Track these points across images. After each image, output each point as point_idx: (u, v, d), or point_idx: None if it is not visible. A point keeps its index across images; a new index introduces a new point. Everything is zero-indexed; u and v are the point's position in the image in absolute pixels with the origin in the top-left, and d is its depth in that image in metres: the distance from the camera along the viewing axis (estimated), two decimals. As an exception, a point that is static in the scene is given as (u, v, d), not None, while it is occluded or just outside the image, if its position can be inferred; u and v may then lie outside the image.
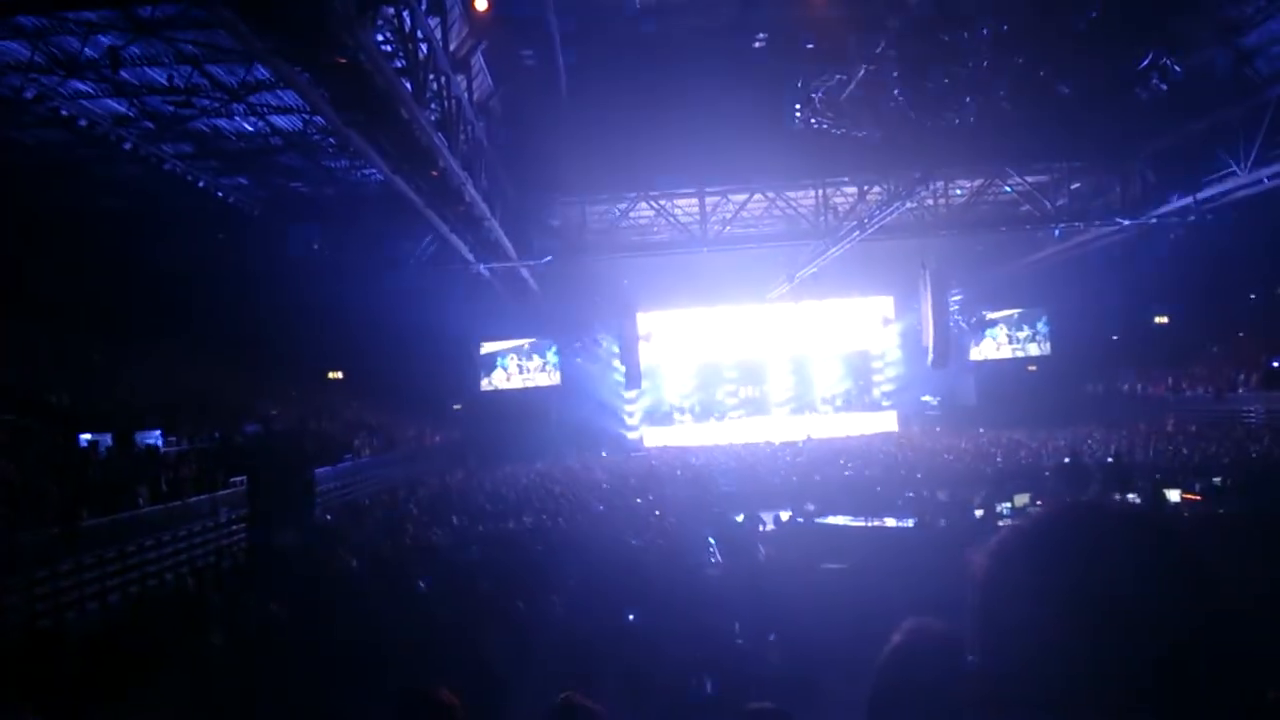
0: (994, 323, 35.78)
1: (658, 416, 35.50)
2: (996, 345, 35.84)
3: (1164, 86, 15.91)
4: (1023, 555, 1.14)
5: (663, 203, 23.84)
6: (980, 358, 35.55)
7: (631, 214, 24.38)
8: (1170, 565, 1.07)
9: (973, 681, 1.15)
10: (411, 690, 3.36)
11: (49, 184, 18.99)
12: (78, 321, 19.93)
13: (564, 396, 34.36)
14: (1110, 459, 18.14)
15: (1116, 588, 1.04)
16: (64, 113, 15.40)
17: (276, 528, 13.62)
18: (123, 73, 13.97)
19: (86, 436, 15.59)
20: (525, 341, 35.01)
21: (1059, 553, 1.10)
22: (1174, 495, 13.33)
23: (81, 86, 15.34)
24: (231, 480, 15.62)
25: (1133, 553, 1.08)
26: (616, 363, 32.07)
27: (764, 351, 35.91)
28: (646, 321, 33.35)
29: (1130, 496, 13.71)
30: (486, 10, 13.90)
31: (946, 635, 2.01)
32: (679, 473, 21.18)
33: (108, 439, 15.83)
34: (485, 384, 34.98)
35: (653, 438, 33.41)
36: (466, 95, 15.55)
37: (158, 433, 16.87)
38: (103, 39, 13.51)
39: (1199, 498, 13.53)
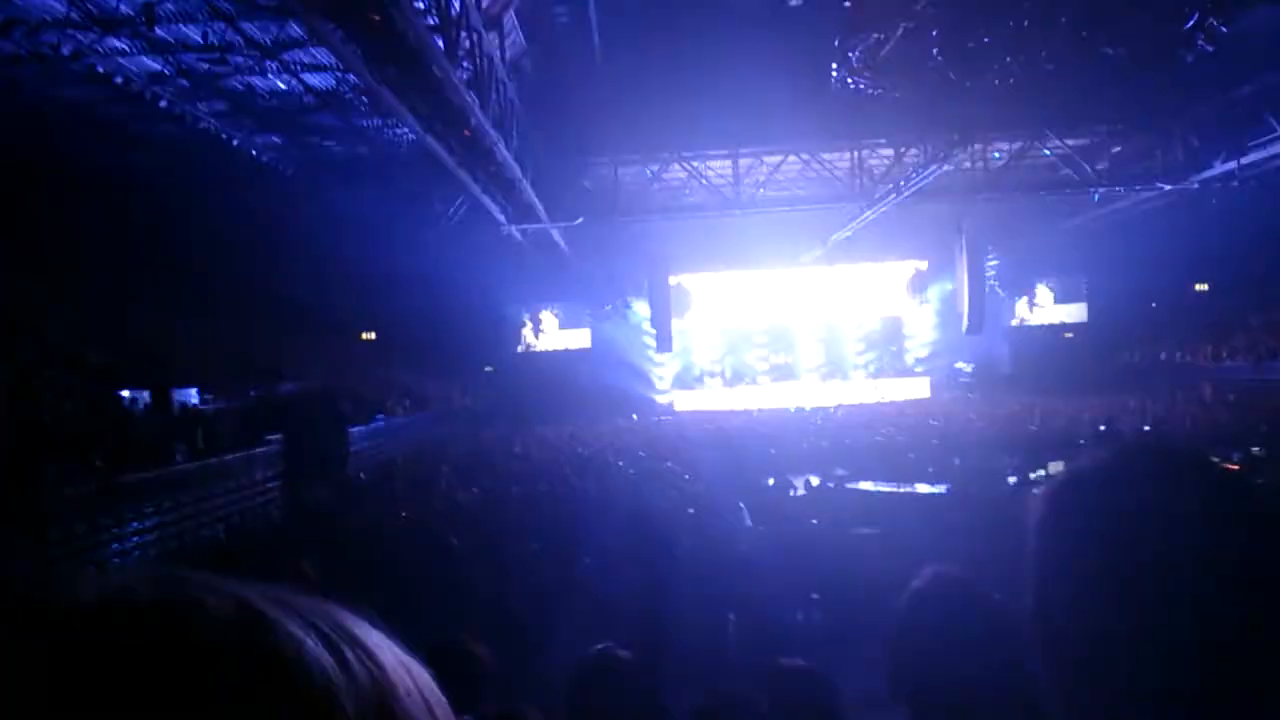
0: (1031, 289, 35.33)
1: (688, 380, 35.45)
2: (1033, 310, 35.43)
3: (1210, 48, 15.52)
4: (1077, 496, 1.07)
5: (695, 164, 23.65)
6: (1017, 323, 35.17)
7: (664, 175, 24.22)
8: (1238, 512, 0.99)
9: (1029, 630, 1.08)
10: (442, 643, 3.37)
11: (85, 141, 19.11)
12: (114, 278, 20.12)
13: (594, 359, 34.38)
14: (1147, 427, 17.93)
15: (1167, 531, 0.96)
16: (100, 69, 15.46)
17: (310, 486, 13.79)
18: (158, 30, 13.97)
19: (125, 394, 15.80)
20: (556, 304, 35.03)
21: (1123, 491, 1.02)
22: (1211, 465, 13.13)
23: (117, 43, 15.37)
24: (267, 438, 15.79)
25: (1200, 496, 0.99)
26: (647, 325, 32.06)
27: (796, 316, 35.69)
28: (684, 285, 33.28)
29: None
30: (520, -33, 13.79)
31: (965, 580, 2.01)
32: (709, 436, 21.16)
33: (145, 396, 16.03)
34: (521, 346, 35.07)
35: (683, 402, 33.39)
36: (499, 54, 15.43)
37: (194, 391, 17.07)
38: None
39: (1237, 468, 13.33)
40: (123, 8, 13.79)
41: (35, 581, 0.51)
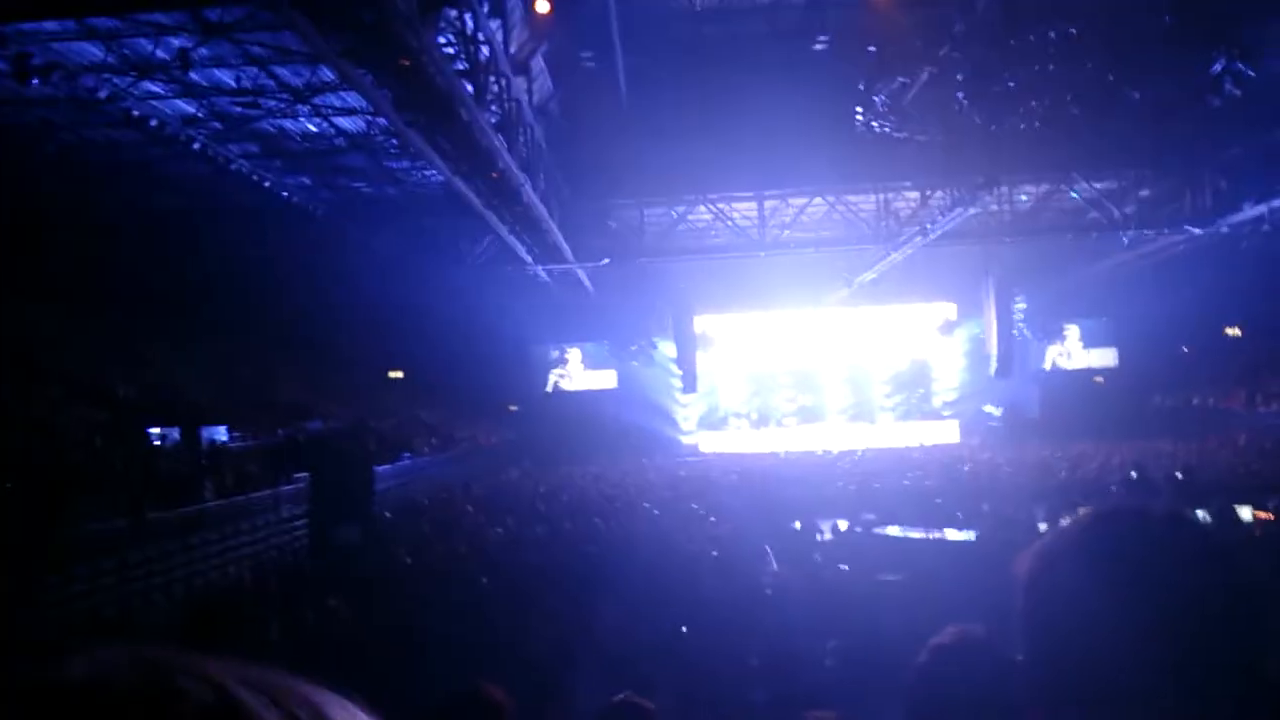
0: (1060, 332, 34.90)
1: (713, 422, 35.26)
2: (1063, 355, 34.97)
3: (1237, 92, 15.46)
4: (1067, 556, 1.16)
5: (721, 206, 23.77)
6: (1048, 366, 34.70)
7: (689, 217, 24.33)
8: (1211, 569, 1.07)
9: (1022, 680, 1.17)
10: (463, 688, 3.34)
11: (120, 182, 19.45)
12: (146, 316, 20.37)
13: (620, 400, 34.26)
14: (1179, 474, 17.62)
15: (1158, 588, 1.05)
16: (135, 113, 15.74)
17: (336, 524, 13.79)
18: (192, 74, 14.25)
19: (155, 431, 15.94)
20: (583, 344, 35.02)
21: (1102, 553, 1.12)
22: (1245, 513, 12.89)
23: (152, 87, 15.69)
24: (294, 476, 15.84)
25: (1174, 554, 1.09)
26: (673, 366, 32.01)
27: (822, 358, 35.47)
28: (708, 325, 33.23)
29: (1200, 513, 13.28)
30: (548, 13, 13.95)
31: (987, 638, 1.99)
32: (735, 479, 21.03)
33: (175, 434, 16.16)
34: (550, 385, 34.96)
35: (708, 443, 33.20)
36: (526, 97, 15.63)
37: (223, 429, 17.21)
38: (173, 41, 13.80)
39: (1271, 516, 13.08)
40: (159, 53, 14.10)
41: (24, 654, 0.51)
